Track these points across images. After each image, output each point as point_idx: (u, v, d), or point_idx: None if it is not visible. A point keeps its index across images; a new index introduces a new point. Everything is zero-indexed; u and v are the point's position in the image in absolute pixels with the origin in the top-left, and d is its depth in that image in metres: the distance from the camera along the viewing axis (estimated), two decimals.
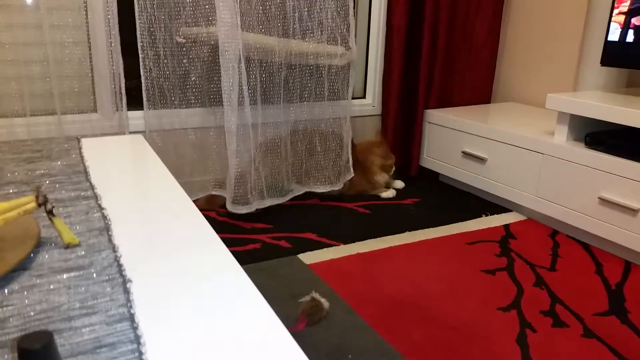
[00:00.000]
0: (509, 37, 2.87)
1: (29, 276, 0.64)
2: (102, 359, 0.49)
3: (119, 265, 0.66)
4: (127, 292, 0.60)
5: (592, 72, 2.30)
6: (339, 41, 2.25)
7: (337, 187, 2.45)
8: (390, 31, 2.57)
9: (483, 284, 1.73)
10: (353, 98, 2.62)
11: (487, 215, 2.31)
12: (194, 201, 2.29)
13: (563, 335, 1.47)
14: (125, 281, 0.62)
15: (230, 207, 2.16)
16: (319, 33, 2.21)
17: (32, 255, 0.70)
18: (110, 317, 0.56)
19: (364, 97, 2.81)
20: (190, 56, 2.11)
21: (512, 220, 2.27)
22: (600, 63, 2.12)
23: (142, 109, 2.12)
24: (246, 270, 0.62)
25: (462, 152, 2.49)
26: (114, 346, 0.51)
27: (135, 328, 0.54)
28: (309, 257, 1.88)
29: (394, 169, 2.59)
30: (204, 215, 0.79)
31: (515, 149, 2.23)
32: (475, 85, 2.83)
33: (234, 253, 1.89)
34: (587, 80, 2.32)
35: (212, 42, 2.08)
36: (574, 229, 2.10)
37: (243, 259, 1.87)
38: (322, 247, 1.96)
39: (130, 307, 0.57)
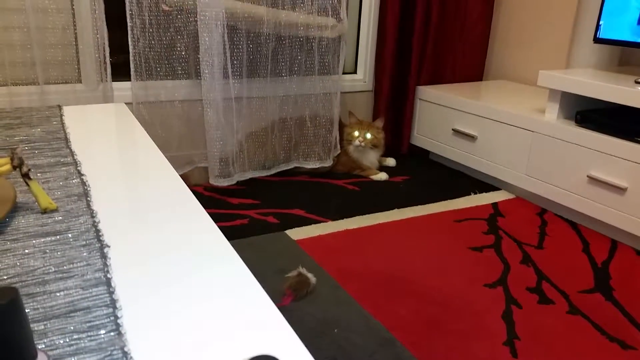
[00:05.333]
0: (502, 14, 2.84)
1: (2, 241, 0.62)
2: (76, 322, 0.47)
3: (97, 231, 0.64)
4: (104, 256, 0.58)
5: (584, 50, 2.28)
6: (330, 12, 2.21)
7: (327, 163, 2.43)
8: (384, 3, 2.52)
9: (470, 261, 1.73)
10: (343, 73, 2.58)
11: (475, 194, 2.31)
12: (180, 176, 2.27)
13: (548, 311, 1.47)
14: (102, 246, 0.60)
15: (212, 181, 2.14)
16: (309, 3, 2.16)
17: (7, 219, 0.67)
18: (86, 282, 0.54)
19: (354, 72, 2.77)
20: (177, 25, 2.05)
21: (501, 198, 2.27)
22: (594, 41, 2.09)
23: (128, 81, 2.06)
24: (233, 245, 0.60)
25: (453, 129, 2.47)
26: (89, 310, 0.49)
27: (111, 292, 0.52)
28: (296, 233, 1.86)
29: (372, 141, 2.41)
30: (191, 190, 0.77)
31: (506, 127, 2.22)
32: (468, 62, 2.80)
33: (221, 228, 1.87)
34: (579, 58, 2.30)
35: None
36: (562, 208, 2.10)
37: (230, 234, 1.85)
38: (310, 224, 1.95)
39: (107, 271, 0.55)
